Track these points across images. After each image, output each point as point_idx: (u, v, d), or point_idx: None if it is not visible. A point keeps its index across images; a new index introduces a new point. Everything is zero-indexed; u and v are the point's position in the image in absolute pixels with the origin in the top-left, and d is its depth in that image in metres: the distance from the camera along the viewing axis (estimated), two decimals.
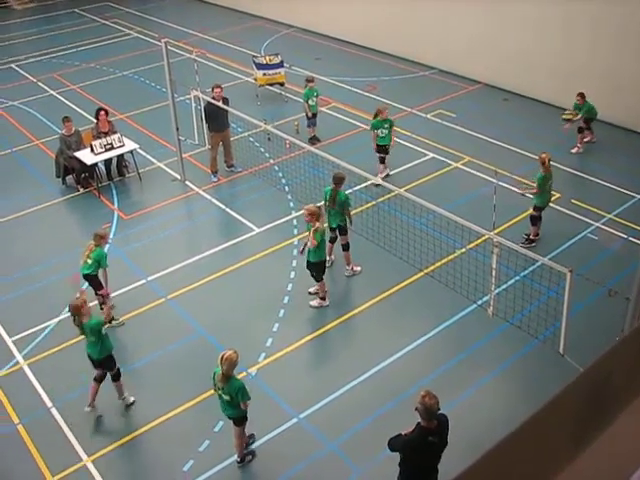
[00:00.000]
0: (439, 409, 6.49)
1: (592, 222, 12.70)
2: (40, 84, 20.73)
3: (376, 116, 14.03)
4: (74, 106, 18.69)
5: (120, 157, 14.96)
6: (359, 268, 11.67)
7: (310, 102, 15.78)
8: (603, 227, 12.58)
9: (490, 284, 9.48)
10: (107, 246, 10.71)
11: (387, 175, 14.12)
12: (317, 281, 10.74)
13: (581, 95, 14.89)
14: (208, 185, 14.60)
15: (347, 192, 11.57)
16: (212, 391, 8.13)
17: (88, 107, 17.91)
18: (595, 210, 13.04)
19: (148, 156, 15.78)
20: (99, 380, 9.05)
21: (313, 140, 15.91)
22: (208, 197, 14.18)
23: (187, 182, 14.69)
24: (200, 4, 29.33)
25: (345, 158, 11.49)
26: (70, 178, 14.82)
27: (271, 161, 15.26)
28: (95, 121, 14.98)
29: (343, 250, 11.52)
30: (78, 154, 14.34)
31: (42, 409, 9.23)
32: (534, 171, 13.82)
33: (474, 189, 13.80)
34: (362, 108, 17.85)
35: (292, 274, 11.64)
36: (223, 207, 13.79)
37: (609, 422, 3.16)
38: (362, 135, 16.38)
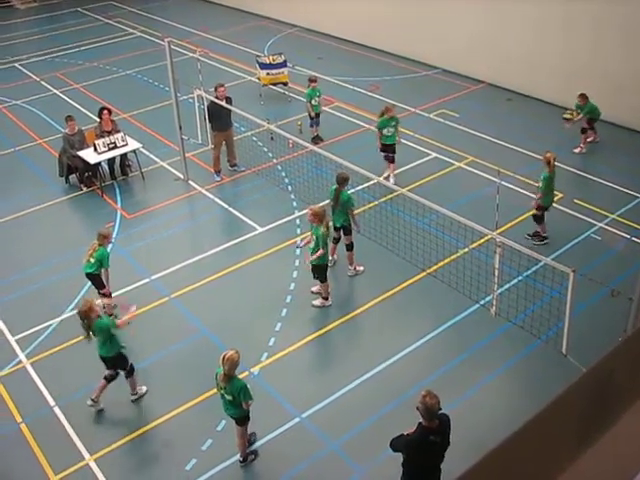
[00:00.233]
0: (440, 409, 6.48)
1: (595, 222, 12.68)
2: (43, 83, 20.76)
3: (382, 115, 14.01)
4: (77, 105, 18.71)
5: (123, 156, 14.96)
6: (362, 268, 11.67)
7: (313, 102, 15.78)
8: (606, 227, 12.56)
9: (493, 284, 9.49)
10: (110, 245, 10.71)
11: (388, 177, 14.07)
12: (321, 282, 10.75)
13: (582, 96, 14.87)
14: (211, 184, 14.61)
15: (350, 192, 11.57)
16: (215, 390, 8.14)
17: (91, 106, 17.92)
18: (598, 210, 13.03)
19: (151, 155, 15.80)
20: (109, 379, 9.06)
21: (316, 140, 15.91)
22: (211, 196, 14.19)
23: (190, 181, 14.71)
24: (203, 3, 29.34)
25: (348, 158, 11.50)
26: (73, 177, 14.84)
27: (274, 160, 15.27)
28: (98, 120, 15.00)
29: (347, 250, 11.52)
30: (81, 153, 14.35)
31: (45, 408, 9.24)
32: (537, 171, 13.80)
33: (477, 189, 13.80)
34: (365, 108, 17.85)
35: (295, 273, 11.64)
36: (226, 206, 13.80)
37: (612, 422, 3.16)
38: (365, 135, 16.39)
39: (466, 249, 11.34)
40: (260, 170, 14.82)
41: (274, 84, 18.83)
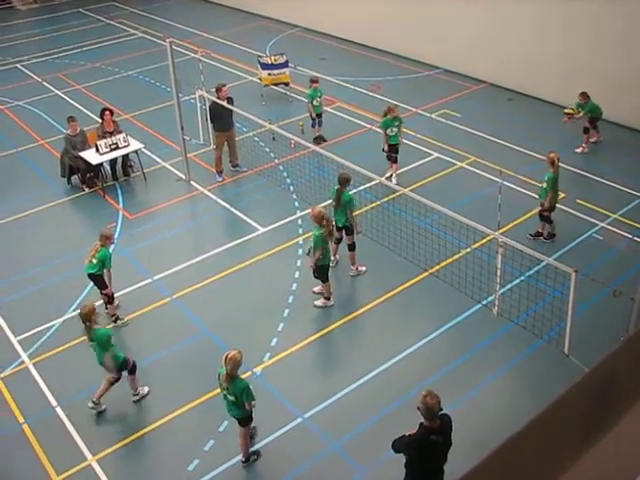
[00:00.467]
0: (441, 409, 6.47)
1: (597, 222, 12.67)
2: (45, 84, 20.78)
3: (386, 115, 14.01)
4: (79, 106, 18.72)
5: (125, 157, 14.97)
6: (364, 268, 11.67)
7: (314, 103, 15.78)
8: (608, 227, 12.55)
9: (495, 284, 9.48)
10: (112, 246, 10.72)
11: (390, 177, 14.07)
12: (323, 282, 10.74)
13: (583, 94, 14.86)
14: (213, 185, 14.62)
15: (352, 192, 11.56)
16: (217, 391, 8.15)
17: (93, 107, 17.94)
18: (600, 210, 13.01)
19: (153, 156, 15.81)
20: (112, 382, 9.06)
21: (318, 140, 15.90)
22: (213, 197, 14.20)
23: (192, 182, 14.71)
24: (205, 4, 29.36)
25: (350, 158, 11.49)
26: (75, 178, 14.86)
27: (276, 161, 15.27)
28: (100, 121, 15.02)
29: (349, 250, 11.52)
30: (83, 154, 14.37)
31: (47, 408, 9.25)
32: (538, 171, 13.82)
33: (479, 189, 13.79)
34: (367, 108, 17.85)
35: (297, 274, 11.64)
36: (228, 207, 13.80)
37: (614, 422, 3.16)
38: (367, 135, 16.39)
39: (468, 249, 11.34)
40: (262, 170, 14.82)
41: (276, 84, 18.84)
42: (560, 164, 11.98)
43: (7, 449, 8.74)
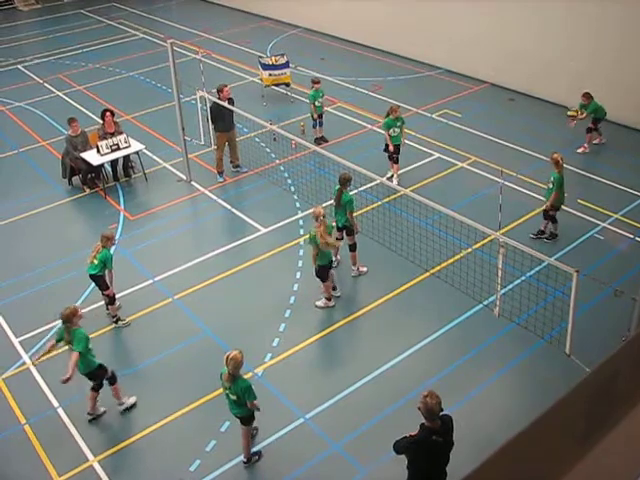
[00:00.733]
0: (442, 409, 6.47)
1: (599, 222, 12.66)
2: (46, 85, 20.80)
3: (388, 115, 14.01)
4: (80, 107, 18.74)
5: (126, 158, 14.98)
6: (365, 269, 11.67)
7: (316, 103, 15.79)
8: (610, 227, 12.55)
9: (496, 284, 9.48)
10: (113, 247, 10.73)
11: (391, 177, 14.08)
12: (322, 282, 10.74)
13: (586, 95, 14.85)
14: (214, 185, 14.62)
15: (353, 192, 11.56)
16: (218, 391, 8.16)
17: (94, 108, 17.94)
18: (602, 210, 13.01)
19: (154, 157, 15.82)
20: (97, 389, 8.95)
21: (320, 141, 15.91)
22: (214, 197, 14.20)
23: (193, 182, 14.72)
24: (206, 5, 29.38)
25: (351, 158, 11.50)
26: (76, 179, 14.86)
27: (277, 161, 15.28)
28: (101, 122, 15.02)
29: (350, 250, 11.51)
30: (84, 155, 14.37)
31: (48, 409, 9.25)
32: (539, 171, 13.87)
33: (480, 189, 13.79)
34: (368, 108, 17.86)
35: (298, 274, 11.64)
36: (229, 207, 13.81)
37: (616, 423, 3.16)
38: (368, 135, 16.39)
39: (469, 249, 11.34)
40: (263, 171, 14.83)
41: (276, 85, 18.84)
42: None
43: (8, 450, 8.74)
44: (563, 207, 12.16)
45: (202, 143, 14.74)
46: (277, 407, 9.03)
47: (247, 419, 8.03)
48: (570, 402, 2.96)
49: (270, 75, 18.57)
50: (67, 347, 8.75)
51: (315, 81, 15.90)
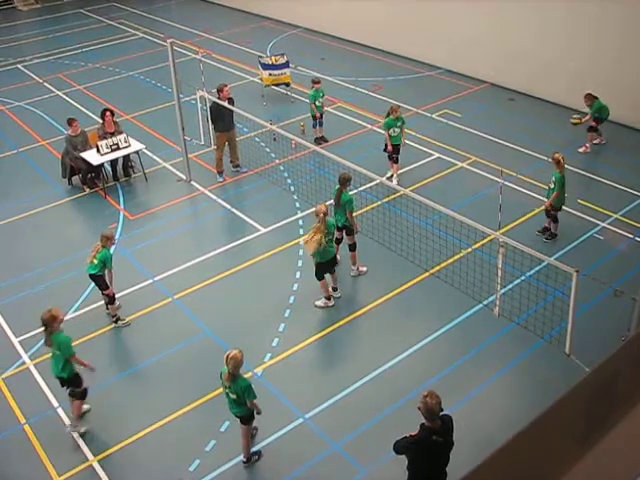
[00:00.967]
0: (442, 409, 6.47)
1: (598, 222, 12.66)
2: (46, 85, 20.79)
3: (388, 115, 14.01)
4: (80, 106, 18.73)
5: (126, 157, 14.98)
6: (365, 268, 11.67)
7: (317, 103, 15.79)
8: (609, 227, 12.55)
9: (496, 284, 9.48)
10: (113, 247, 10.73)
11: (391, 177, 14.08)
12: (318, 280, 10.73)
13: (587, 96, 14.84)
14: (214, 185, 14.62)
15: (353, 192, 11.55)
16: (218, 391, 8.16)
17: (94, 107, 17.95)
18: (601, 210, 13.01)
19: (154, 156, 15.81)
20: (79, 396, 8.81)
21: (320, 140, 15.91)
22: (214, 197, 14.20)
23: (193, 182, 14.72)
24: (206, 4, 29.37)
25: (350, 158, 11.50)
26: (76, 178, 14.86)
27: (277, 161, 15.27)
28: (101, 122, 15.02)
29: (350, 250, 11.51)
30: (84, 154, 14.37)
31: (48, 409, 9.25)
32: (539, 171, 13.87)
33: (479, 189, 13.79)
34: (368, 108, 17.86)
35: (298, 274, 11.64)
36: (229, 207, 13.81)
37: (616, 422, 3.16)
38: (368, 135, 16.39)
39: (469, 249, 11.34)
40: (263, 171, 14.83)
41: (276, 85, 18.84)
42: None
43: (8, 450, 8.74)
44: (563, 206, 12.15)
45: (202, 143, 14.74)
46: (277, 407, 9.03)
47: (247, 418, 8.03)
48: (570, 402, 2.96)
49: (270, 75, 18.56)
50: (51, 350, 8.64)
51: (315, 81, 15.90)
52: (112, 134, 14.67)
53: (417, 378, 9.31)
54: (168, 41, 13.66)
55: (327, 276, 10.86)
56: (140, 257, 12.35)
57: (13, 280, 11.91)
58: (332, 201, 11.33)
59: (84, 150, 14.51)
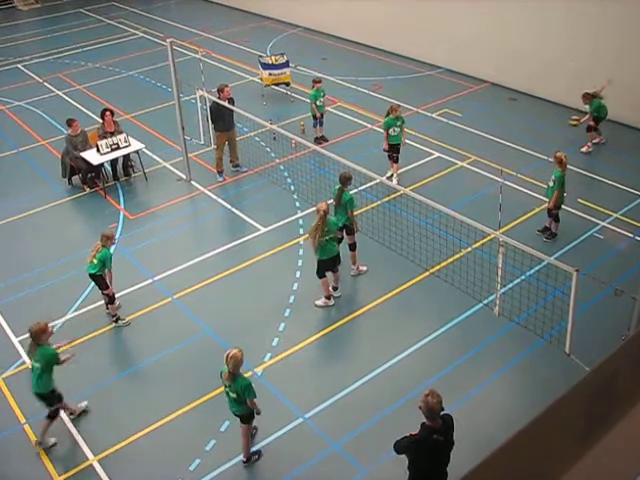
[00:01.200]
0: (442, 409, 6.46)
1: (598, 221, 12.66)
2: (46, 84, 20.79)
3: (388, 114, 14.01)
4: (80, 106, 18.73)
5: (126, 157, 14.98)
6: (365, 268, 11.66)
7: (317, 103, 15.78)
8: (609, 226, 12.54)
9: (496, 283, 9.47)
10: (113, 246, 10.72)
11: (391, 176, 14.08)
12: (319, 278, 10.74)
13: (585, 95, 14.84)
14: (214, 185, 14.62)
15: (353, 192, 11.55)
16: (218, 391, 8.17)
17: (94, 107, 17.94)
18: (601, 209, 13.00)
19: (154, 156, 15.81)
20: (51, 416, 8.66)
21: (320, 140, 15.91)
22: (214, 197, 14.20)
23: (193, 182, 14.71)
24: (205, 4, 29.37)
25: (351, 157, 11.49)
26: (76, 178, 14.85)
27: (277, 161, 15.27)
28: (101, 121, 15.02)
29: (350, 250, 11.51)
30: (84, 154, 14.37)
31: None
32: (539, 170, 13.86)
33: (480, 188, 13.78)
34: (368, 108, 17.85)
35: (298, 274, 11.64)
36: (229, 207, 13.80)
37: (616, 422, 3.16)
38: (368, 134, 16.39)
39: (469, 248, 11.34)
40: (263, 170, 14.82)
41: (276, 84, 18.84)
42: None
43: (8, 449, 8.74)
44: (563, 206, 12.16)
45: (202, 142, 14.74)
46: (276, 407, 9.03)
47: (247, 417, 8.03)
48: (570, 401, 2.96)
49: (270, 74, 18.56)
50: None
51: (316, 80, 15.91)
52: (112, 134, 14.67)
53: (417, 378, 9.31)
54: (168, 40, 13.65)
55: (329, 275, 10.86)
56: (140, 257, 12.35)
57: (13, 280, 11.91)
58: (332, 200, 11.33)
59: (84, 150, 14.51)
